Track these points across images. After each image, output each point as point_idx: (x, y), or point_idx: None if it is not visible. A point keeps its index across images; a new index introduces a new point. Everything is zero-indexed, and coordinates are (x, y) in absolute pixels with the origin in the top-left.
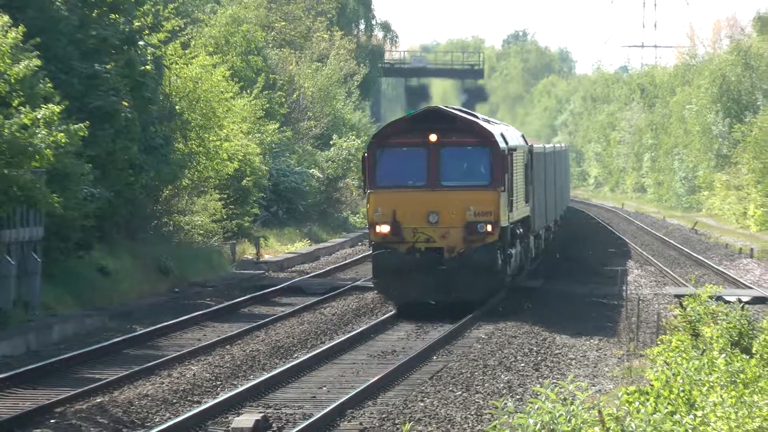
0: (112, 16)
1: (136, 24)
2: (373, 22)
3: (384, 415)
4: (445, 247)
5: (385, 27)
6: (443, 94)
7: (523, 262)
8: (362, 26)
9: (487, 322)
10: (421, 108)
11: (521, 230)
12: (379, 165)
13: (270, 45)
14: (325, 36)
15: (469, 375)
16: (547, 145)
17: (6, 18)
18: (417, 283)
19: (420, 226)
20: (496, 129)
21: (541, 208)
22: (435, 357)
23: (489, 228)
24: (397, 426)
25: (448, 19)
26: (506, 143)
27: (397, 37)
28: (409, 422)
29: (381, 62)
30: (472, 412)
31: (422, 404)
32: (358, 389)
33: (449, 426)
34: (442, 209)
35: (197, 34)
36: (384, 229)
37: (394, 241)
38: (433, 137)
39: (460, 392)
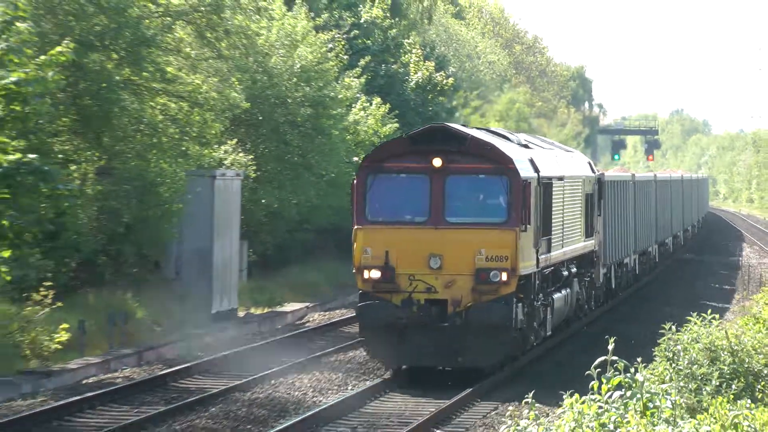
0: (440, 98)
1: (454, 103)
2: (593, 102)
3: None
4: (449, 300)
5: (600, 105)
6: (633, 143)
7: (583, 302)
8: (586, 104)
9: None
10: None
11: (574, 269)
12: (371, 195)
13: (532, 116)
14: (564, 110)
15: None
16: (648, 174)
17: (378, 99)
18: (413, 343)
19: (419, 272)
20: (523, 153)
21: (624, 237)
22: None
23: (504, 276)
24: None
25: (635, 97)
26: (536, 171)
27: (606, 111)
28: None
29: (597, 127)
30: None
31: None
32: None
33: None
34: (446, 252)
35: (489, 109)
36: (374, 274)
37: (386, 290)
38: (437, 162)
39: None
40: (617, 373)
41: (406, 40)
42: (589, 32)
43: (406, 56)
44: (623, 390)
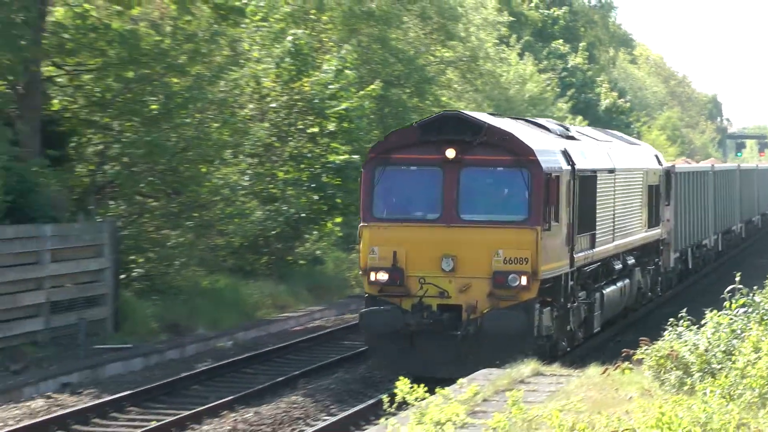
0: (621, 117)
1: (630, 119)
2: (723, 117)
3: None
4: (463, 306)
5: (727, 119)
6: (750, 145)
7: (646, 289)
8: (718, 119)
9: None
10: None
11: (632, 260)
12: (378, 189)
13: (682, 126)
14: (704, 123)
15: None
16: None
17: (580, 117)
18: (423, 352)
19: (430, 275)
20: (556, 144)
21: (702, 221)
22: None
23: (523, 281)
24: None
25: (752, 112)
26: (571, 163)
27: (732, 122)
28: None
29: (726, 134)
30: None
31: None
32: None
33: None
34: (460, 253)
35: (654, 123)
36: (381, 277)
37: (394, 294)
38: (450, 153)
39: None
40: (742, 296)
41: (599, 78)
42: (721, 68)
43: (599, 88)
44: (746, 308)
